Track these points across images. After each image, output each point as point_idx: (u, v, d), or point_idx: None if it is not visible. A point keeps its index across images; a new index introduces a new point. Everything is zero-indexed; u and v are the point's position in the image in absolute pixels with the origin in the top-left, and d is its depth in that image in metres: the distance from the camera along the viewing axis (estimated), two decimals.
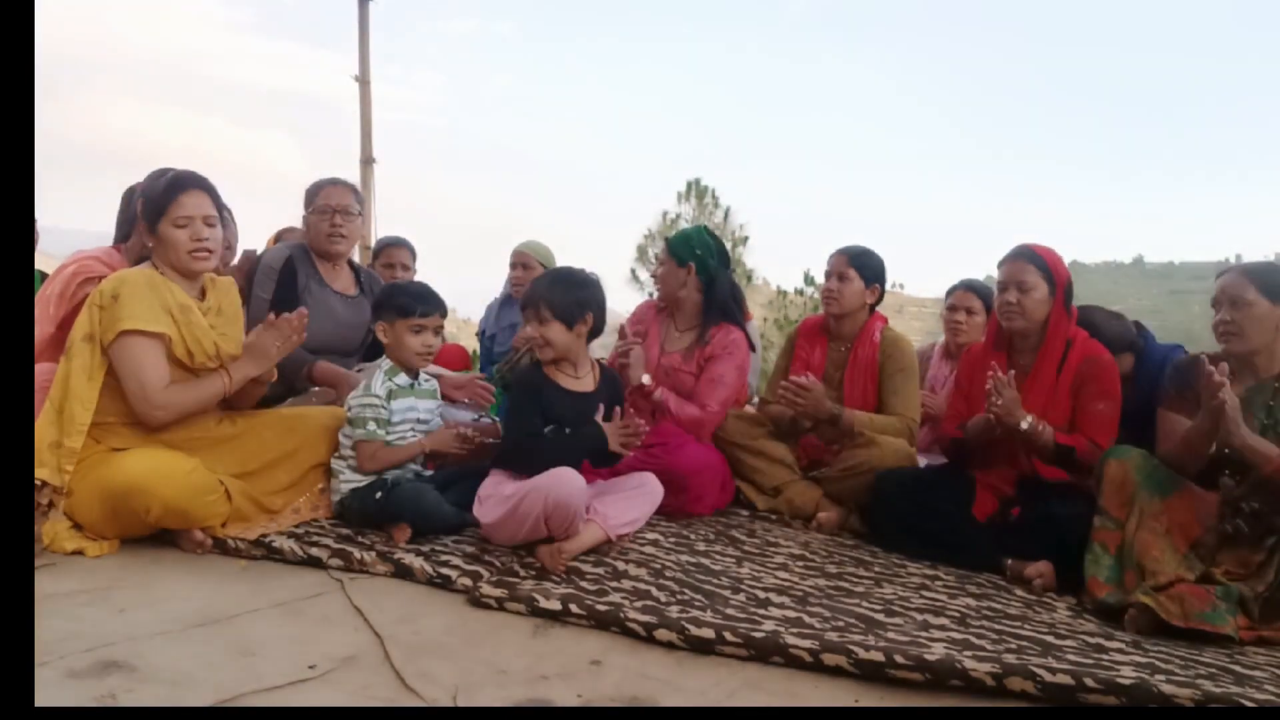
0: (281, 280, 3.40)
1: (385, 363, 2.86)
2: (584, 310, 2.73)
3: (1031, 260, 3.01)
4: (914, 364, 3.54)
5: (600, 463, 2.77)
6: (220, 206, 2.71)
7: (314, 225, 3.50)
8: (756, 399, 4.10)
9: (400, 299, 2.84)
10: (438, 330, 2.88)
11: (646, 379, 3.32)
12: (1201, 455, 2.66)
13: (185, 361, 2.59)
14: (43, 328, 2.96)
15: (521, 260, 4.48)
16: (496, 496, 2.55)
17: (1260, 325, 2.68)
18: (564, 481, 2.42)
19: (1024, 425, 2.83)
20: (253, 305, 3.33)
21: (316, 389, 3.31)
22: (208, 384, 2.60)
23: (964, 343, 3.93)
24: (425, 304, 2.84)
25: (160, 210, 2.58)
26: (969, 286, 4.01)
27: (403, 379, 2.85)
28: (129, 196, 3.22)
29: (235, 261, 3.60)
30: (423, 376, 2.93)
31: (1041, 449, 2.91)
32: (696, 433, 3.39)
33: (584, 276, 2.83)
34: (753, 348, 3.63)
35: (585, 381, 2.76)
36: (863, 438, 3.35)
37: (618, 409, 2.73)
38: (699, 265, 3.51)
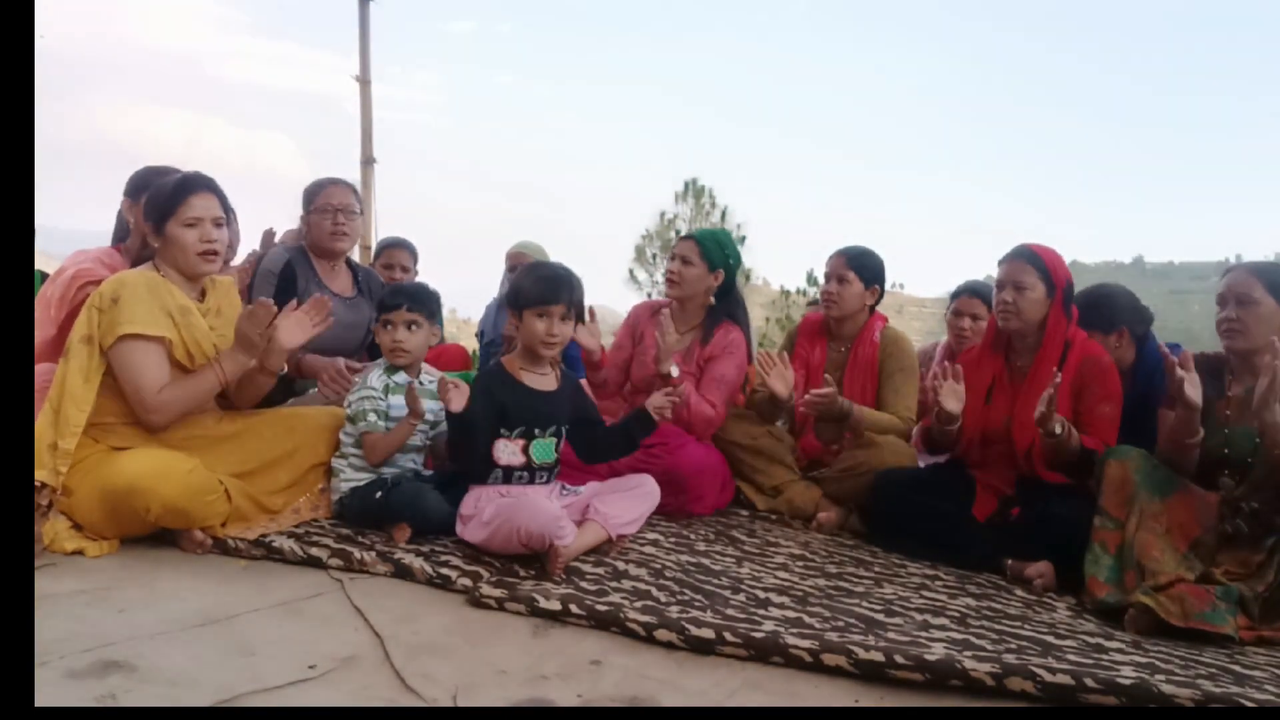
0: (281, 284, 3.41)
1: (383, 361, 2.88)
2: (583, 310, 2.75)
3: (1030, 260, 3.00)
4: (914, 363, 3.55)
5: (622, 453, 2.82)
6: (227, 208, 2.72)
7: (315, 224, 3.51)
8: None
9: (384, 299, 2.90)
10: (410, 325, 2.84)
11: (675, 370, 3.31)
12: (1186, 448, 2.66)
13: (186, 364, 2.60)
14: (44, 329, 2.96)
15: (520, 261, 4.47)
16: (477, 519, 2.54)
17: (1265, 323, 2.67)
18: (535, 514, 2.40)
19: (1058, 430, 2.78)
20: None
21: (315, 390, 3.31)
22: (201, 380, 2.60)
23: (971, 348, 3.96)
24: (391, 296, 2.88)
25: (169, 211, 2.59)
26: (974, 292, 3.91)
27: (401, 377, 2.86)
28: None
29: (238, 262, 3.60)
30: (424, 376, 2.93)
31: (1069, 453, 2.85)
32: (704, 431, 3.38)
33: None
34: (750, 359, 3.61)
35: (548, 380, 2.74)
36: (863, 438, 3.35)
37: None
38: (727, 273, 3.51)
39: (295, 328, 2.69)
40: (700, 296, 3.54)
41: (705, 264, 3.48)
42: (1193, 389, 2.58)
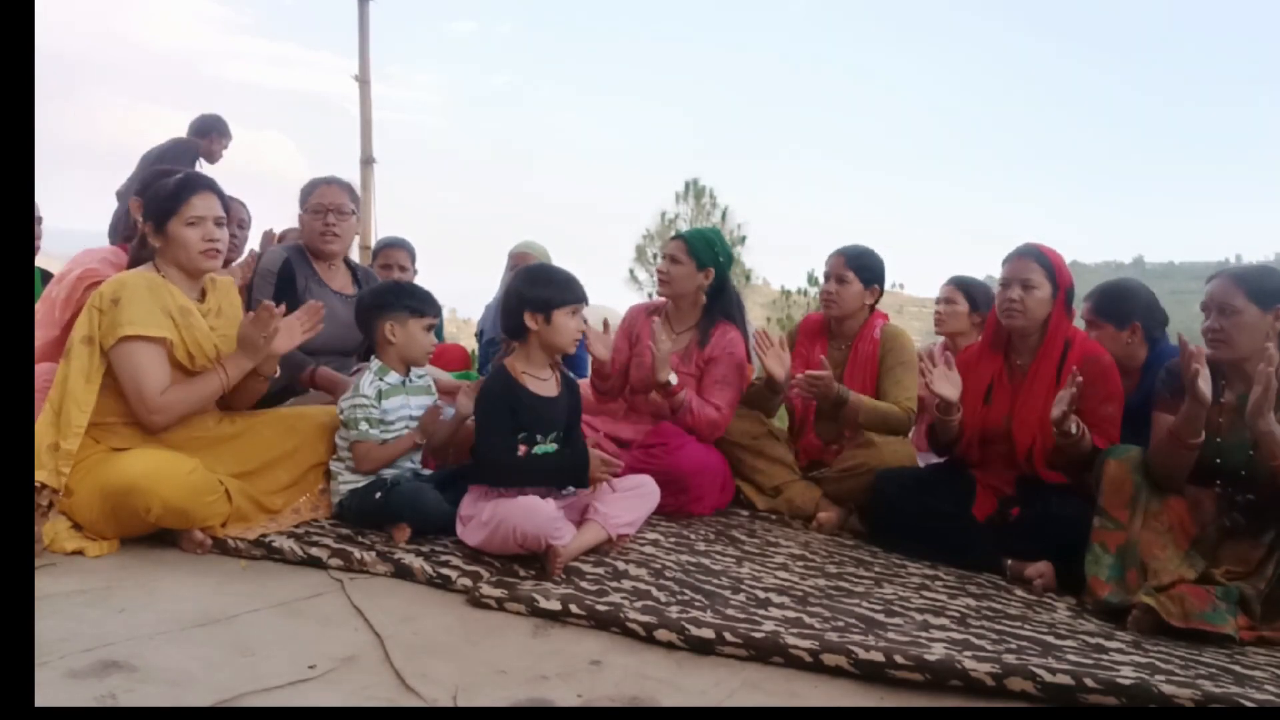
0: (280, 284, 3.40)
1: (375, 363, 2.87)
2: None
3: (1037, 259, 3.00)
4: (913, 357, 3.54)
5: (573, 483, 2.74)
6: (227, 207, 2.73)
7: (308, 224, 3.49)
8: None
9: (411, 300, 2.91)
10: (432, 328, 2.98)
11: (674, 378, 3.31)
12: (1185, 449, 2.55)
13: (186, 365, 2.60)
14: (47, 330, 2.96)
15: (524, 260, 4.48)
16: (476, 520, 2.54)
17: (1249, 333, 2.58)
18: (531, 515, 2.40)
19: (1073, 430, 2.75)
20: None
21: (315, 390, 3.31)
22: (205, 383, 2.61)
23: (946, 333, 4.11)
24: (433, 304, 2.94)
25: (171, 210, 2.59)
26: (952, 280, 4.13)
27: (394, 378, 2.86)
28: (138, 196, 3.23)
29: (240, 260, 3.60)
30: (414, 373, 2.94)
31: (1080, 454, 2.82)
32: (710, 434, 3.38)
33: None
34: (749, 358, 3.61)
35: (550, 385, 2.74)
36: (862, 437, 3.35)
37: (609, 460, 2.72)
38: (718, 270, 3.51)
39: (286, 332, 2.70)
40: (692, 295, 3.54)
41: (693, 261, 3.48)
42: (1205, 383, 2.47)
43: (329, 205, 3.45)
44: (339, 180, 3.58)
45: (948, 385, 3.01)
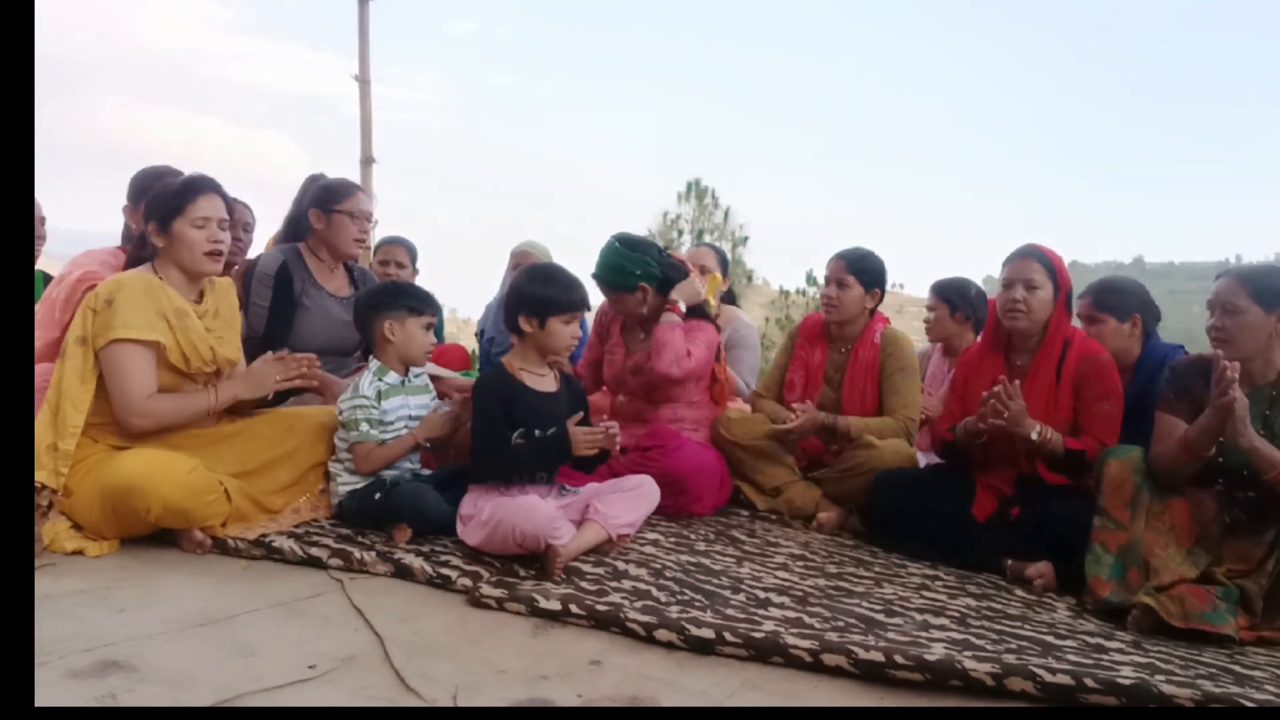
0: (278, 286, 3.40)
1: (374, 364, 2.87)
2: None
3: (1039, 260, 3.00)
4: (914, 363, 3.54)
5: (583, 468, 2.78)
6: (231, 210, 2.74)
7: (339, 225, 3.50)
8: (748, 391, 4.08)
9: (409, 299, 2.91)
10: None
11: (682, 304, 3.37)
12: (1200, 457, 2.59)
13: (181, 366, 2.60)
14: (47, 331, 2.96)
15: (526, 260, 4.47)
16: (476, 520, 2.54)
17: (1252, 333, 2.59)
18: (529, 514, 2.40)
19: (1033, 436, 2.80)
20: (250, 313, 3.31)
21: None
22: (192, 400, 2.62)
23: (936, 339, 4.14)
24: (432, 304, 2.95)
25: (176, 210, 2.60)
26: (932, 288, 4.15)
27: (393, 378, 2.86)
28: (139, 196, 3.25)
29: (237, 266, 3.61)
30: (413, 373, 2.94)
31: (1050, 455, 2.88)
32: (673, 364, 3.34)
33: None
34: (718, 328, 3.63)
35: (548, 381, 2.75)
36: (863, 439, 3.35)
37: (580, 414, 2.75)
38: (647, 280, 3.42)
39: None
40: (641, 309, 3.50)
41: (624, 292, 3.44)
42: (1242, 405, 2.45)
43: (364, 213, 3.56)
44: (364, 190, 3.76)
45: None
